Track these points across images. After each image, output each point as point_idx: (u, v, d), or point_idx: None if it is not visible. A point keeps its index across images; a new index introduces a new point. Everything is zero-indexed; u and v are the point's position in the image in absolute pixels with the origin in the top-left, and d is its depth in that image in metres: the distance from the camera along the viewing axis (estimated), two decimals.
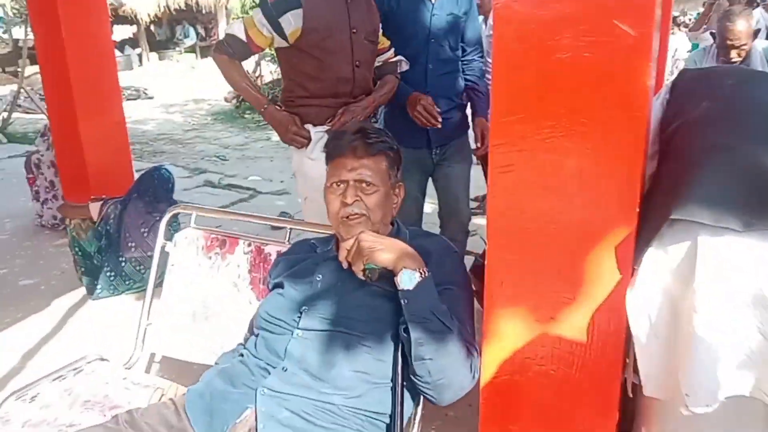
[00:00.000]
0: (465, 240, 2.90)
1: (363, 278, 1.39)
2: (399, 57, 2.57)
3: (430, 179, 2.81)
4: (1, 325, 3.17)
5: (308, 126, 2.33)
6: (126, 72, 15.31)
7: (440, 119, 2.49)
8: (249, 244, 1.99)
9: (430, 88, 2.53)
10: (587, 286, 1.26)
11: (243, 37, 2.25)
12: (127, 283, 3.42)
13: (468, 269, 1.68)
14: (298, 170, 2.42)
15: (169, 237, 2.13)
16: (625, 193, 1.18)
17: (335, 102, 2.35)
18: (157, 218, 3.32)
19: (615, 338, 1.26)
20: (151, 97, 12.12)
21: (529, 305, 1.31)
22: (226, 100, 10.54)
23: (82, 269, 3.45)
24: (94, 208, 3.34)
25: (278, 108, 2.38)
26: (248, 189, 5.80)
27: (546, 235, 1.26)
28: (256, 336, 1.57)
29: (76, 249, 3.42)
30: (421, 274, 1.35)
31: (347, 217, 1.51)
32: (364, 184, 1.52)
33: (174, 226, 3.22)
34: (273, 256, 1.95)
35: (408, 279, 1.34)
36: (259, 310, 1.60)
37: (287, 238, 1.96)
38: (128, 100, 11.71)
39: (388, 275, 1.38)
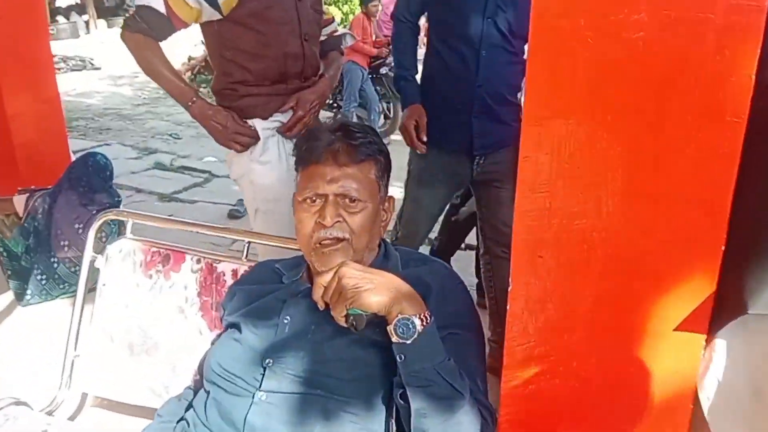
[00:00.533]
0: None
1: (345, 326, 1.06)
2: (344, 30, 2.20)
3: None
4: None
5: (254, 121, 1.92)
6: (71, 40, 14.39)
7: (424, 148, 2.12)
8: (198, 260, 1.63)
9: (481, 80, 2.03)
10: (644, 343, 0.96)
11: (162, 9, 1.77)
12: (61, 286, 3.00)
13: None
14: (242, 178, 1.99)
15: (99, 249, 1.74)
16: (708, 225, 0.87)
17: (285, 88, 1.95)
18: (93, 212, 2.93)
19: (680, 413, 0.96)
20: (98, 68, 11.34)
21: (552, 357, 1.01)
22: (183, 65, 9.90)
23: (9, 272, 3.00)
24: (19, 202, 2.90)
25: (210, 103, 1.94)
26: (203, 172, 5.34)
27: (589, 271, 0.95)
28: (207, 393, 1.23)
29: (0, 249, 2.97)
30: (422, 320, 1.02)
31: (321, 243, 1.17)
32: (347, 200, 1.18)
33: (112, 227, 2.85)
34: (227, 276, 1.59)
35: (405, 329, 1.01)
36: (210, 358, 1.25)
37: (244, 254, 1.61)
38: (73, 70, 10.97)
39: (378, 321, 1.05)
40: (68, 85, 9.80)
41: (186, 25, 1.85)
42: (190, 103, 1.87)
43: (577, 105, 0.88)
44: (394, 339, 1.02)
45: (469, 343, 1.16)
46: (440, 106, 2.10)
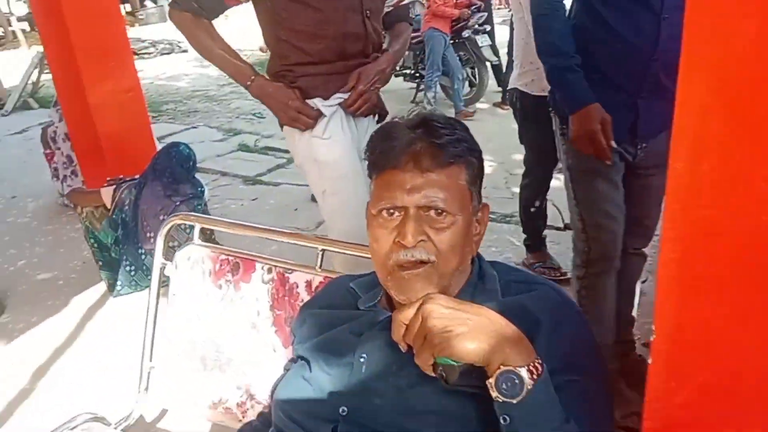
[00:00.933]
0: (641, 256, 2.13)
1: (433, 375, 0.85)
2: None
3: None
4: (13, 332, 2.82)
5: (314, 101, 1.78)
6: (159, 24, 14.85)
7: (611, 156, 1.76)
8: (269, 270, 1.48)
9: (660, 52, 1.66)
10: None
11: None
12: (149, 277, 2.98)
13: None
14: (306, 159, 1.86)
15: (169, 256, 1.64)
16: None
17: (345, 66, 1.78)
18: (177, 203, 2.89)
19: None
20: (185, 51, 11.58)
21: None
22: (261, 50, 9.92)
23: (101, 263, 3.05)
24: (107, 194, 2.91)
25: (269, 80, 1.81)
26: (286, 152, 5.26)
27: None
28: None
29: (92, 240, 3.01)
30: (531, 371, 0.80)
31: (401, 266, 0.97)
32: (432, 213, 0.97)
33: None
34: (301, 288, 1.43)
35: (510, 385, 0.79)
36: (277, 395, 1.10)
37: (318, 264, 1.43)
38: (162, 54, 11.29)
39: (475, 369, 0.84)
40: (158, 69, 10.12)
41: (238, 2, 1.74)
42: (248, 82, 1.78)
43: (748, 92, 0.61)
44: (496, 395, 0.80)
45: (591, 392, 0.92)
46: (597, 84, 1.74)
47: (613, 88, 1.76)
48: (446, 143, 0.98)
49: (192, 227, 1.63)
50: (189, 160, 3.07)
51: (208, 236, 3.04)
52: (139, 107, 3.80)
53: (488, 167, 4.79)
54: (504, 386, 0.79)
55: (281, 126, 1.91)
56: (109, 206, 2.99)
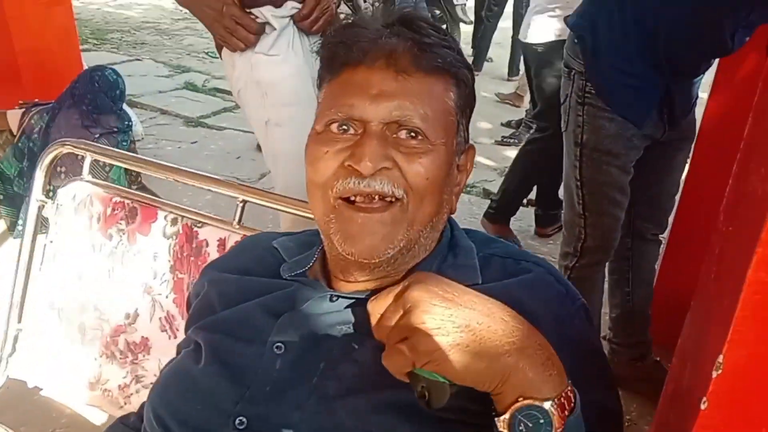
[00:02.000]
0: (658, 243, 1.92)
1: (416, 395, 0.56)
2: None
3: None
4: None
5: (263, 10, 1.41)
6: None
7: None
8: (174, 221, 1.14)
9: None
10: None
11: None
12: None
13: None
14: (247, 83, 1.50)
15: (49, 192, 1.28)
16: None
17: None
18: (97, 135, 2.50)
19: None
20: None
21: None
22: None
23: (0, 197, 2.63)
24: (13, 118, 2.48)
25: None
26: None
27: None
28: None
29: None
30: (562, 406, 0.53)
31: (351, 201, 0.68)
32: (404, 133, 0.68)
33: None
34: (212, 247, 1.11)
35: (532, 426, 0.52)
36: (151, 394, 0.78)
37: (236, 217, 1.11)
38: None
39: (469, 392, 0.55)
40: None
41: None
42: None
43: None
44: None
45: (601, 412, 0.65)
46: (634, 60, 1.54)
47: (652, 63, 1.54)
48: (433, 44, 0.69)
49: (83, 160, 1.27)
50: (116, 88, 2.66)
51: (134, 179, 2.67)
52: (67, 23, 3.32)
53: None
54: (521, 427, 0.52)
55: (218, 48, 1.54)
56: (15, 132, 2.56)
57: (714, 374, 0.51)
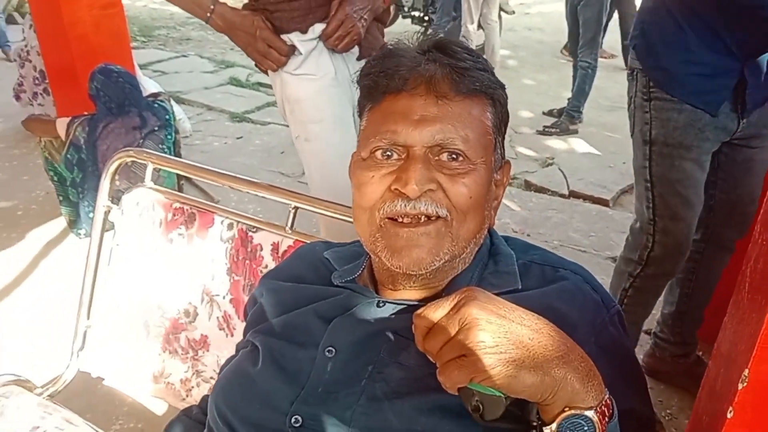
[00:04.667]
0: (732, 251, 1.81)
1: (468, 408, 0.60)
2: None
3: None
4: None
5: (291, 36, 1.51)
6: None
7: None
8: (230, 226, 1.22)
9: None
10: None
11: None
12: None
13: None
14: (280, 98, 1.62)
15: (116, 197, 1.37)
16: None
17: None
18: (147, 133, 2.56)
19: None
20: None
21: None
22: None
23: (61, 197, 2.76)
24: (62, 126, 2.57)
25: (234, 8, 1.54)
26: None
27: None
28: None
29: (51, 173, 2.71)
30: (603, 413, 0.57)
31: (398, 220, 0.72)
32: (446, 156, 0.72)
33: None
34: (266, 251, 1.17)
35: None
36: (214, 391, 0.85)
37: (288, 222, 1.17)
38: None
39: (519, 404, 0.59)
40: None
41: None
42: (209, 14, 1.51)
43: None
44: None
45: (637, 423, 0.69)
46: (704, 42, 1.49)
47: (720, 49, 1.49)
48: (469, 68, 0.73)
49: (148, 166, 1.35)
50: (132, 77, 2.69)
51: (180, 182, 2.76)
52: (120, 27, 3.44)
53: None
54: None
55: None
56: (64, 140, 2.67)
57: (740, 386, 0.54)
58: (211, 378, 1.23)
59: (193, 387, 1.25)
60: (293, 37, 1.50)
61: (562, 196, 3.34)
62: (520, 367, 0.55)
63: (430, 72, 0.72)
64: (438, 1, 5.81)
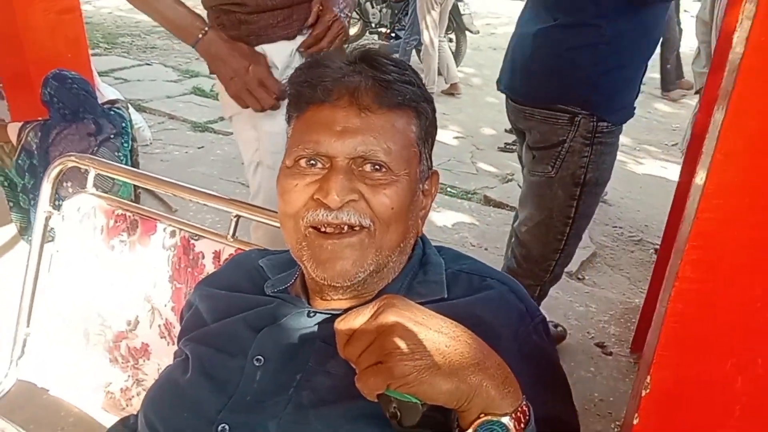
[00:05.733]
0: None
1: (387, 415, 0.61)
2: None
3: None
4: None
5: (277, 46, 1.42)
6: None
7: None
8: (173, 233, 1.21)
9: None
10: None
11: None
12: None
13: None
14: (243, 123, 1.51)
15: (56, 204, 1.35)
16: None
17: None
18: (96, 145, 2.50)
19: None
20: None
21: None
22: None
23: (11, 203, 2.69)
24: (13, 131, 2.50)
25: (227, 38, 1.39)
26: None
27: None
28: None
29: (2, 178, 2.65)
30: (518, 419, 0.58)
31: (321, 231, 0.73)
32: (369, 167, 0.73)
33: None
34: (207, 259, 1.17)
35: None
36: (144, 400, 0.85)
37: (230, 231, 1.17)
38: None
39: (436, 410, 0.60)
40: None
41: None
42: (199, 36, 1.37)
43: None
44: None
45: (561, 421, 0.71)
46: None
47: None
48: (394, 80, 0.74)
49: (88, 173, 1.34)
50: (87, 83, 2.64)
51: (137, 191, 2.71)
52: (77, 32, 3.37)
53: (454, 140, 4.60)
54: None
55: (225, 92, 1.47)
56: (15, 145, 2.60)
57: (643, 393, 0.56)
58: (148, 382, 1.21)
59: (133, 396, 1.23)
60: (279, 47, 1.42)
61: None
62: (435, 374, 0.56)
63: (354, 84, 0.74)
64: (406, 19, 5.88)
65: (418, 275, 0.81)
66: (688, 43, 4.47)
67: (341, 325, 0.61)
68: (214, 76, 1.46)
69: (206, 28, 1.38)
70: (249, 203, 1.19)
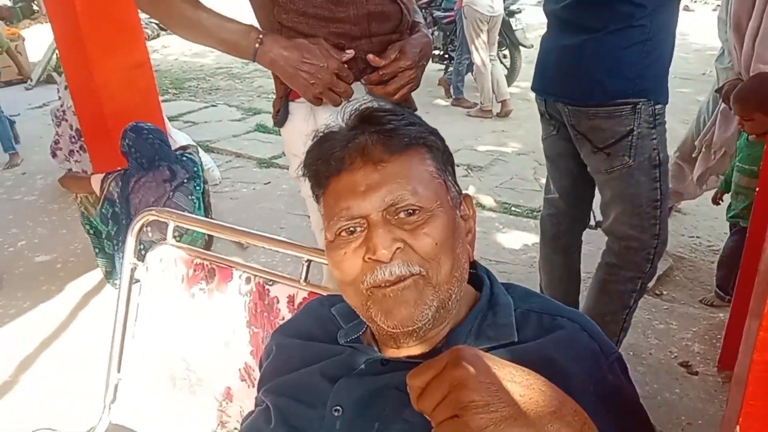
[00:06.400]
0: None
1: None
2: None
3: None
4: (3, 317, 2.68)
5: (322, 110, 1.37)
6: None
7: None
8: (248, 280, 1.26)
9: None
10: None
11: None
12: None
13: None
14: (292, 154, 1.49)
15: (140, 256, 1.44)
16: None
17: (369, 44, 1.35)
18: (172, 190, 2.65)
19: None
20: None
21: None
22: None
23: (97, 249, 2.87)
24: (96, 182, 2.68)
25: (282, 38, 1.32)
26: None
27: None
28: None
29: (87, 227, 2.83)
30: None
31: (380, 287, 0.75)
32: (403, 214, 0.75)
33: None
34: (282, 304, 1.21)
35: None
36: None
37: (302, 275, 1.21)
38: None
39: None
40: (184, 45, 9.94)
41: None
42: (257, 44, 1.29)
43: None
44: None
45: None
46: None
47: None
48: (396, 128, 0.77)
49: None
50: (161, 133, 2.79)
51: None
52: (149, 84, 3.59)
53: (516, 157, 4.55)
54: None
55: (275, 118, 1.46)
56: (99, 195, 2.78)
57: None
58: (235, 429, 1.26)
59: None
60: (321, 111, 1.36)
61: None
62: (512, 425, 0.56)
63: (361, 144, 0.76)
64: (457, 39, 5.91)
65: (488, 317, 0.81)
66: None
67: (413, 379, 0.62)
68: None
69: (260, 36, 1.31)
70: (318, 248, 1.23)
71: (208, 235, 2.79)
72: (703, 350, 2.35)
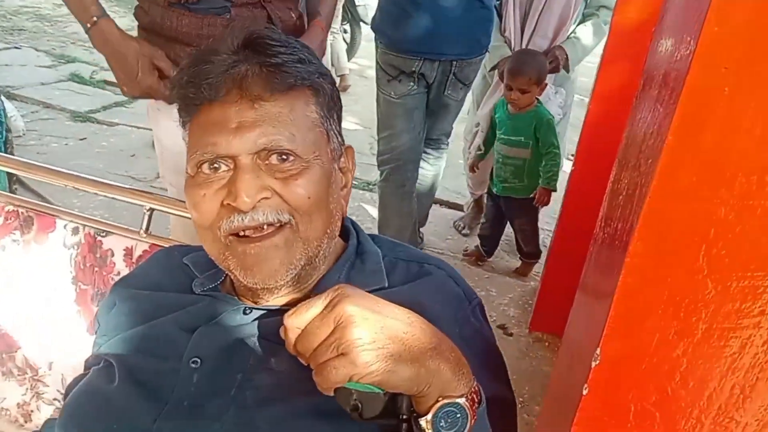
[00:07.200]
0: None
1: (346, 409, 0.59)
2: None
3: None
4: None
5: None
6: None
7: None
8: (75, 230, 1.11)
9: None
10: None
11: None
12: None
13: None
14: (154, 133, 1.47)
15: None
16: None
17: (238, 12, 1.28)
18: None
19: None
20: None
21: None
22: None
23: None
24: None
25: (119, 29, 1.25)
26: None
27: None
28: None
29: None
30: (472, 401, 0.59)
31: (240, 236, 0.70)
32: (275, 158, 0.69)
33: None
34: (117, 257, 1.09)
35: (451, 422, 0.58)
36: (63, 414, 0.77)
37: (143, 225, 1.09)
38: None
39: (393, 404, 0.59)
40: None
41: None
42: (88, 24, 1.22)
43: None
44: None
45: (503, 412, 0.73)
46: None
47: None
48: (283, 63, 0.70)
49: None
50: None
51: (14, 178, 2.47)
52: None
53: (353, 132, 4.60)
54: (443, 424, 0.57)
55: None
56: None
57: (593, 364, 0.59)
58: (55, 399, 1.11)
59: (33, 411, 1.12)
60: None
61: None
62: (397, 361, 0.56)
63: (240, 74, 0.69)
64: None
65: (356, 265, 0.80)
66: None
67: (292, 319, 0.59)
68: (94, 61, 1.43)
69: (96, 17, 1.22)
70: (162, 195, 1.12)
71: (11, 188, 2.44)
72: (517, 314, 2.59)
